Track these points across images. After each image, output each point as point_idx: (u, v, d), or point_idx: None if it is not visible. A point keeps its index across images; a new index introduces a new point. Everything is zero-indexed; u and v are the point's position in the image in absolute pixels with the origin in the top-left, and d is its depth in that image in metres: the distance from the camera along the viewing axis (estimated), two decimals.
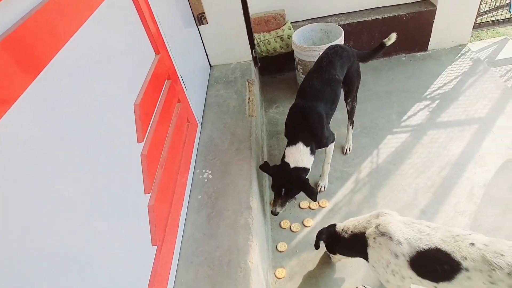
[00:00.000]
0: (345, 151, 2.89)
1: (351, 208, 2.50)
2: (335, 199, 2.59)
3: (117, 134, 1.47)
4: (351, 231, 1.78)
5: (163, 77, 2.02)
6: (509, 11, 3.77)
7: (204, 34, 3.20)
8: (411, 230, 1.57)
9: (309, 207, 2.55)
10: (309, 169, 2.31)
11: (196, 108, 2.64)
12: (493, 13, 3.97)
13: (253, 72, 3.34)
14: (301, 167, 2.27)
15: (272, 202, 2.42)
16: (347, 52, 2.48)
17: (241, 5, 3.02)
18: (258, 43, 3.60)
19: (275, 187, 2.29)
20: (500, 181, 2.44)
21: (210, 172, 2.36)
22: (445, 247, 1.45)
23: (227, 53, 3.35)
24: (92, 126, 1.30)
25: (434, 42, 3.72)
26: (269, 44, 3.60)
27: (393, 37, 2.53)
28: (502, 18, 3.96)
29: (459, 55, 3.68)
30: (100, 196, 1.29)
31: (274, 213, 2.27)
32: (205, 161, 2.45)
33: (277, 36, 3.56)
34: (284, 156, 2.33)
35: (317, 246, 2.02)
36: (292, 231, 2.44)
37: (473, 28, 3.77)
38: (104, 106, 1.41)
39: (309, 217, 2.49)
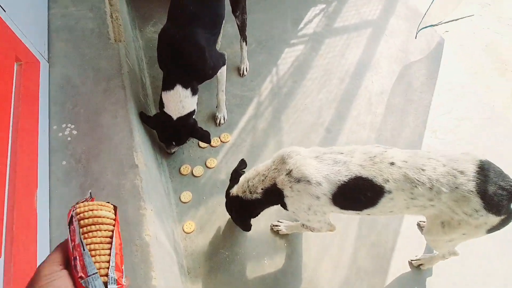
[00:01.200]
0: (241, 73, 2.51)
1: (256, 138, 2.26)
2: (238, 130, 2.30)
3: None
4: (262, 188, 1.51)
5: None
6: None
7: None
8: (326, 165, 1.38)
9: (210, 144, 2.22)
10: (194, 110, 2.01)
11: (32, 37, 1.84)
12: None
13: None
14: (184, 115, 1.93)
15: (165, 146, 2.13)
16: None
17: None
18: None
19: (162, 139, 2.04)
20: (395, 88, 2.44)
21: (73, 126, 1.77)
22: (365, 173, 1.32)
23: None
24: None
25: None
26: None
27: None
28: None
29: None
30: None
31: (170, 153, 2.12)
32: (63, 112, 1.81)
33: None
34: (162, 105, 1.93)
35: (247, 228, 1.75)
36: (195, 175, 2.12)
37: None
38: None
39: (212, 157, 2.18)
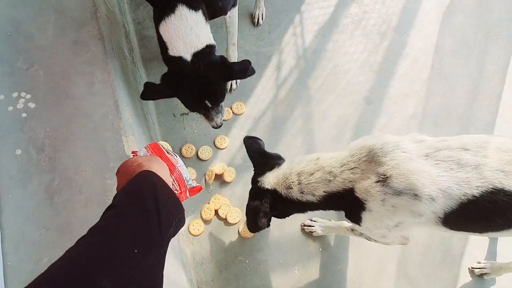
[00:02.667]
0: (256, 21, 1.93)
1: (277, 109, 1.77)
2: (254, 98, 1.79)
3: None
4: (325, 192, 1.03)
5: None
6: None
7: None
8: (445, 170, 0.92)
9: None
10: (214, 44, 1.33)
11: None
12: None
13: None
14: (203, 48, 1.27)
15: (205, 118, 1.42)
16: None
17: None
18: None
19: (192, 106, 1.38)
20: (453, 45, 1.94)
21: (29, 97, 1.22)
22: (510, 183, 0.87)
23: None
24: None
25: None
26: None
27: None
28: None
29: None
30: None
31: (217, 127, 1.45)
32: (13, 75, 1.25)
33: None
34: (164, 47, 1.27)
35: (265, 225, 1.16)
36: (201, 159, 1.64)
37: None
38: None
39: (222, 134, 1.68)
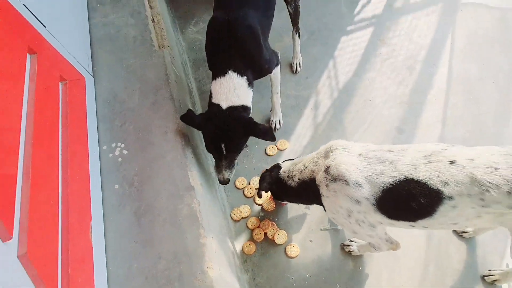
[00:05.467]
0: (294, 69, 2.26)
1: (316, 143, 2.01)
2: (295, 135, 2.07)
3: None
4: (298, 178, 1.40)
5: None
6: None
7: None
8: (370, 164, 1.17)
9: (265, 153, 2.01)
10: (250, 108, 1.64)
11: (76, 53, 1.75)
12: None
13: None
14: (238, 106, 1.58)
15: (215, 166, 1.70)
16: None
17: None
18: None
19: (209, 145, 1.63)
20: (482, 73, 2.05)
21: (123, 146, 1.65)
22: (417, 174, 1.08)
23: None
24: None
25: None
26: None
27: None
28: None
29: None
30: None
31: (223, 182, 1.66)
32: (112, 131, 1.70)
33: None
34: (211, 97, 1.63)
35: (259, 195, 1.63)
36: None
37: None
38: None
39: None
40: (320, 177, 1.27)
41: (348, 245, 1.68)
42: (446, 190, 1.04)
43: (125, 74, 1.87)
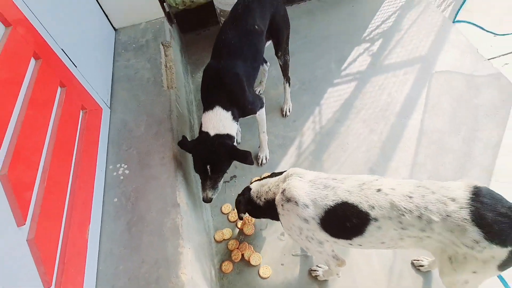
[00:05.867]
0: (284, 113, 2.58)
1: None
2: (279, 170, 2.31)
3: None
4: (264, 198, 1.62)
5: (25, 56, 1.48)
6: None
7: None
8: (316, 189, 1.41)
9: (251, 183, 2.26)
10: (234, 137, 1.92)
11: (98, 87, 2.12)
12: None
13: (168, 31, 2.79)
14: (223, 134, 1.85)
15: (201, 186, 1.93)
16: None
17: None
18: None
19: (197, 166, 1.86)
20: (448, 127, 2.30)
21: (126, 166, 1.94)
22: (351, 198, 1.31)
23: (133, 11, 2.74)
24: None
25: None
26: None
27: None
28: None
29: None
30: None
31: (206, 200, 1.88)
32: (119, 153, 2.01)
33: None
34: (201, 126, 1.92)
35: (240, 217, 1.85)
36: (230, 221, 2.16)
37: None
38: None
39: None
40: (278, 198, 1.50)
41: (315, 270, 1.85)
42: (372, 213, 1.26)
43: (136, 108, 2.22)
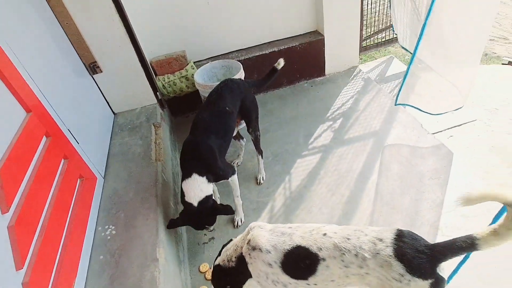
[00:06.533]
0: (258, 181, 2.91)
1: None
2: None
3: None
4: (235, 257, 1.75)
5: (38, 135, 1.87)
6: (393, 31, 4.25)
7: (100, 83, 3.09)
8: (275, 236, 1.63)
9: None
10: (211, 194, 2.29)
11: (95, 160, 2.48)
12: (378, 35, 4.47)
13: (159, 114, 3.28)
14: (203, 199, 2.20)
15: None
16: (238, 85, 2.56)
17: (134, 51, 2.99)
18: (163, 85, 3.58)
19: (197, 228, 2.33)
20: (400, 190, 2.64)
21: (113, 227, 2.19)
22: (304, 242, 1.53)
23: (129, 99, 3.27)
24: None
25: (330, 67, 4.05)
26: (175, 85, 3.60)
27: (281, 62, 2.74)
28: (385, 39, 4.46)
29: (352, 76, 4.04)
30: None
31: (210, 231, 2.48)
32: (108, 216, 2.28)
33: (182, 77, 3.58)
34: (183, 195, 2.23)
35: None
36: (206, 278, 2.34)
37: (360, 51, 4.20)
38: None
39: None
40: (244, 249, 1.72)
41: None
42: (320, 254, 1.50)
43: (127, 178, 2.55)
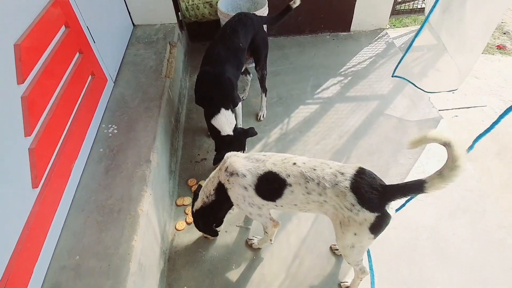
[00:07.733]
0: (258, 118, 3.03)
1: None
2: None
3: None
4: (213, 189, 1.90)
5: (59, 23, 1.96)
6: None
7: None
8: (250, 162, 1.77)
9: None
10: (236, 123, 2.49)
11: (108, 63, 2.59)
12: (414, 1, 4.29)
13: (177, 35, 3.32)
14: (234, 128, 2.44)
15: None
16: (252, 21, 2.57)
17: None
18: (187, 7, 3.57)
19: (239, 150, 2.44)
20: (387, 150, 2.74)
21: (116, 127, 2.37)
22: (275, 169, 1.69)
23: (151, 13, 3.29)
24: None
25: (356, 23, 3.96)
26: (198, 9, 3.59)
27: (297, 0, 2.69)
28: (421, 7, 4.29)
29: (376, 38, 3.96)
30: None
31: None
32: (113, 117, 2.44)
33: (206, 2, 3.56)
34: (217, 132, 2.40)
35: (215, 233, 2.15)
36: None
37: (392, 14, 4.06)
38: None
39: None
40: (223, 177, 1.84)
41: (251, 239, 2.22)
42: (288, 180, 1.65)
43: (135, 86, 2.68)
